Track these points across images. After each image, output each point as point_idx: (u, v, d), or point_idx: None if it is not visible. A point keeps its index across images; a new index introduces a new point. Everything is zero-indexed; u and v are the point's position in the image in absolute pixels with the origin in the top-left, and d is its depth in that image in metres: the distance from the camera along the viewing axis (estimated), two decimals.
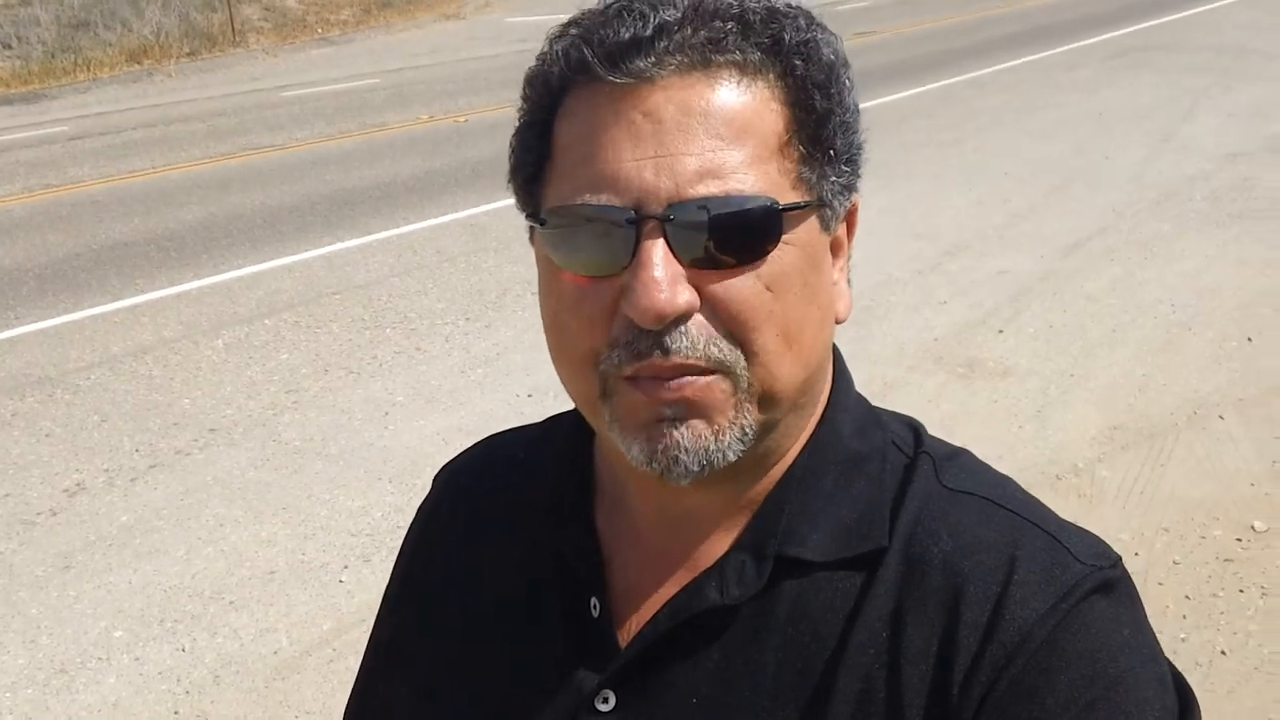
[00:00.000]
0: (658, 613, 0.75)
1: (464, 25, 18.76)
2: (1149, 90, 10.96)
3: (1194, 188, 7.48)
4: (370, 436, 4.50)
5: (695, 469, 0.68)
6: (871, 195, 6.30)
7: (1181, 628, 3.15)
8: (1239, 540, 3.53)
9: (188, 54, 15.92)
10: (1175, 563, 3.44)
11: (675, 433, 0.68)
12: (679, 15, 0.66)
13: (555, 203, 0.69)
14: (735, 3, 0.68)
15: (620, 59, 0.66)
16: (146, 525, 3.98)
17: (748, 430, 0.69)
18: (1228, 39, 14.10)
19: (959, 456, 0.78)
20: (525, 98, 0.73)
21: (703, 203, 0.65)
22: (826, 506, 0.74)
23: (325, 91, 12.84)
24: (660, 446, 0.68)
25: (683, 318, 0.66)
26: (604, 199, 0.66)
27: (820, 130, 0.70)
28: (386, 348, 5.34)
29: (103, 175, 9.18)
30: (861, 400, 0.81)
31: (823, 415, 0.77)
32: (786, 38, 0.68)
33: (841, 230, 0.75)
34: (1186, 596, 3.27)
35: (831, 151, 0.70)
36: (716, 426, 0.68)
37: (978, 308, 5.53)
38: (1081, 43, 14.30)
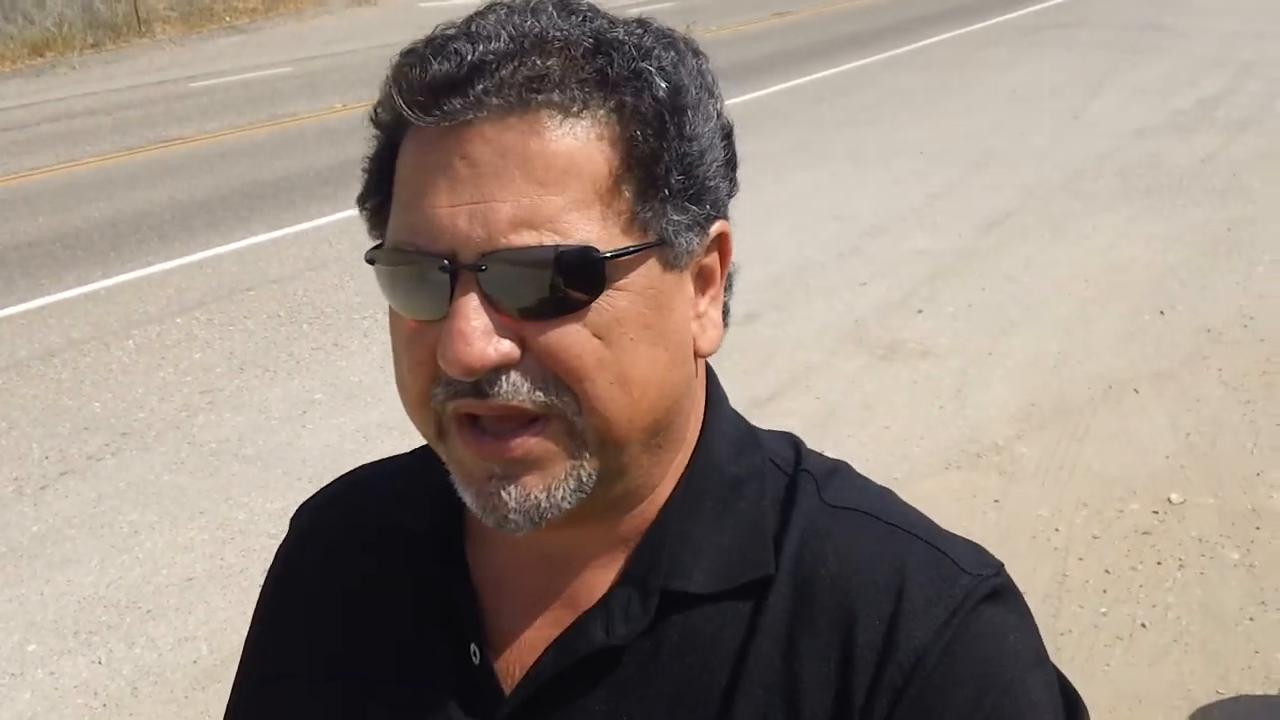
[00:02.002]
0: (542, 656, 0.72)
1: (377, 11, 18.45)
2: (1059, 67, 11.17)
3: (1103, 165, 7.63)
4: (289, 436, 4.40)
5: (526, 525, 0.66)
6: (790, 176, 6.35)
7: (1102, 602, 3.20)
8: (1155, 513, 3.61)
9: (92, 45, 15.43)
10: (1095, 537, 3.50)
11: (504, 492, 0.66)
12: (499, 50, 0.63)
13: (386, 241, 0.67)
14: (560, 35, 0.65)
15: (434, 101, 0.63)
16: (58, 534, 3.84)
17: (585, 480, 0.66)
18: (1133, 16, 14.42)
19: (839, 471, 0.77)
20: (374, 122, 0.69)
21: (515, 254, 0.62)
22: (708, 535, 0.72)
23: (235, 81, 12.53)
24: (490, 504, 0.66)
25: (501, 368, 0.63)
26: (421, 244, 0.64)
27: (653, 168, 0.65)
28: (303, 344, 5.23)
29: (5, 172, 8.86)
30: (738, 421, 0.78)
31: (697, 443, 0.74)
32: (612, 71, 0.64)
33: (711, 259, 0.71)
34: (1106, 571, 3.34)
35: (667, 190, 0.66)
36: (550, 480, 0.66)
37: (897, 289, 5.58)
38: (996, 19, 14.52)
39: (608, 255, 0.63)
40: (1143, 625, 3.11)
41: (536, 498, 0.65)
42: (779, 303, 5.45)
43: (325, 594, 0.83)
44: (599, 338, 0.64)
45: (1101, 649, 3.02)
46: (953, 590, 0.68)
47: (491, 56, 0.63)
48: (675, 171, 0.66)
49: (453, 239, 0.63)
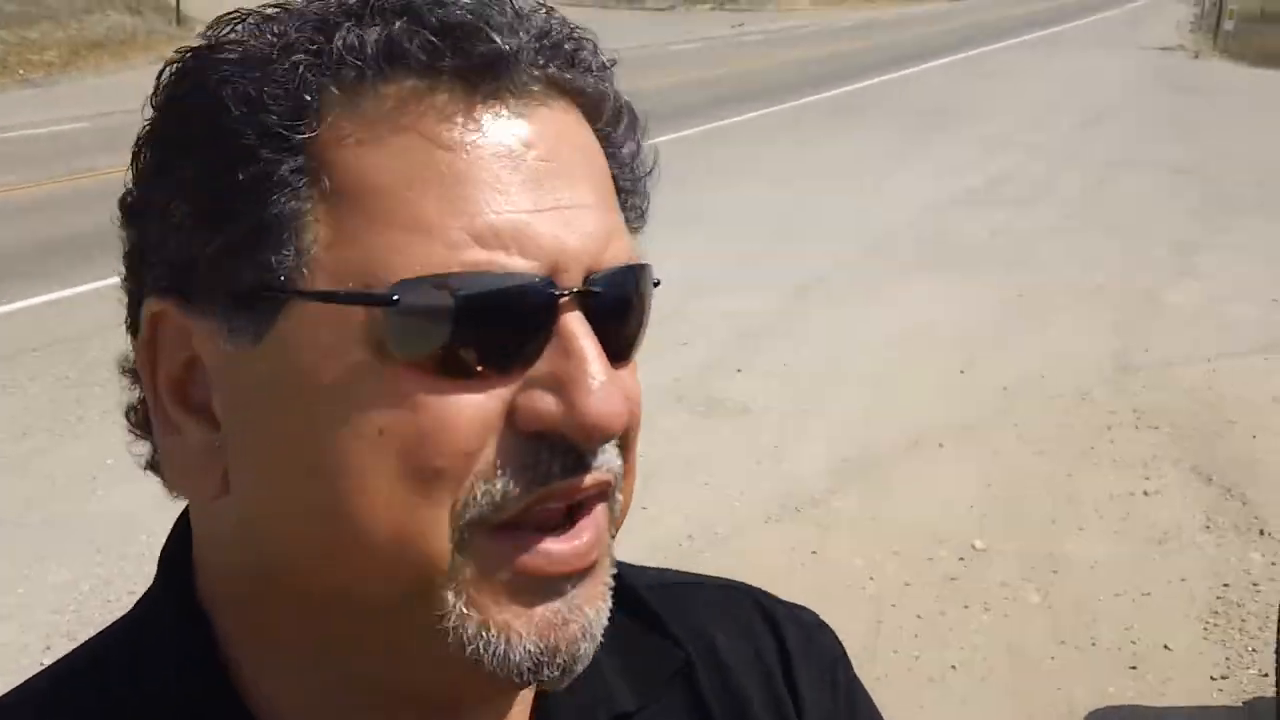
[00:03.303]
0: None
1: None
2: (860, 145, 11.76)
3: (904, 235, 8.03)
4: (77, 503, 4.08)
5: (578, 666, 0.48)
6: None
7: (915, 646, 3.27)
8: (962, 560, 3.73)
9: None
10: (906, 584, 3.59)
11: (577, 616, 0.47)
12: (538, 18, 0.49)
13: (410, 268, 0.44)
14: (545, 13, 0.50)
15: (493, 63, 0.46)
16: None
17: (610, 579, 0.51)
18: (926, 101, 15.37)
19: (622, 564, 0.64)
20: (222, 116, 0.45)
21: (623, 275, 0.49)
22: (612, 643, 0.52)
23: (29, 135, 11.86)
24: (560, 640, 0.47)
25: None
26: (514, 263, 0.44)
27: (635, 180, 0.55)
28: (94, 406, 4.89)
29: None
30: None
31: None
32: (595, 61, 0.51)
33: None
34: (918, 616, 3.42)
35: (631, 209, 0.55)
36: (604, 584, 0.50)
37: (715, 348, 5.68)
38: (798, 101, 15.20)
39: (657, 281, 0.52)
40: (953, 667, 3.19)
41: (602, 611, 0.49)
42: None
43: None
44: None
45: (915, 691, 3.07)
46: (823, 640, 0.67)
47: (538, 22, 0.48)
48: (631, 190, 0.55)
49: (556, 253, 0.45)
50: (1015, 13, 37.30)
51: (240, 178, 0.44)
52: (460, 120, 0.45)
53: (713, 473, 4.35)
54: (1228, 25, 25.75)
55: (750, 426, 4.79)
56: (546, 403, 0.45)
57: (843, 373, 5.40)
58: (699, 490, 4.22)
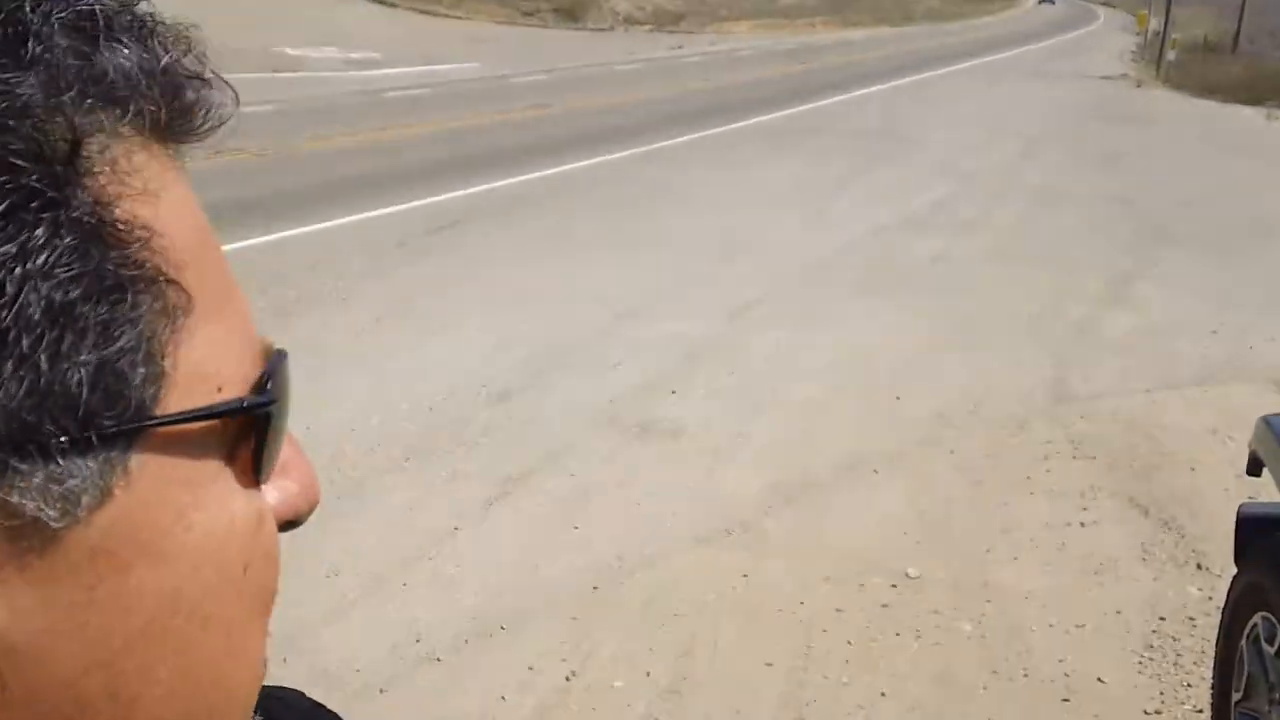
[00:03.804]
0: None
1: None
2: (802, 169, 11.82)
3: (843, 258, 8.06)
4: None
5: None
6: (545, 261, 6.33)
7: (845, 673, 3.23)
8: (894, 587, 3.70)
9: None
10: (838, 610, 3.55)
11: None
12: None
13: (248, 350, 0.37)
14: None
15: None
16: None
17: None
18: (869, 125, 15.53)
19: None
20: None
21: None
22: None
23: None
24: None
25: None
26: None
27: None
28: None
29: None
30: None
31: None
32: None
33: None
34: (849, 642, 3.37)
35: None
36: None
37: (651, 370, 5.62)
38: (743, 123, 15.28)
39: None
40: (883, 694, 3.15)
41: None
42: (533, 382, 5.38)
43: None
44: None
45: (843, 717, 3.03)
46: None
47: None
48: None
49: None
50: (954, 41, 37.94)
51: None
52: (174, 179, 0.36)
53: (645, 494, 4.29)
54: (1170, 55, 26.36)
55: (684, 449, 4.74)
56: (291, 490, 0.40)
57: (778, 397, 5.37)
58: (630, 510, 4.15)
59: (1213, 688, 2.85)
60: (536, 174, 10.92)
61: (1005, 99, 20.57)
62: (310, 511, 0.40)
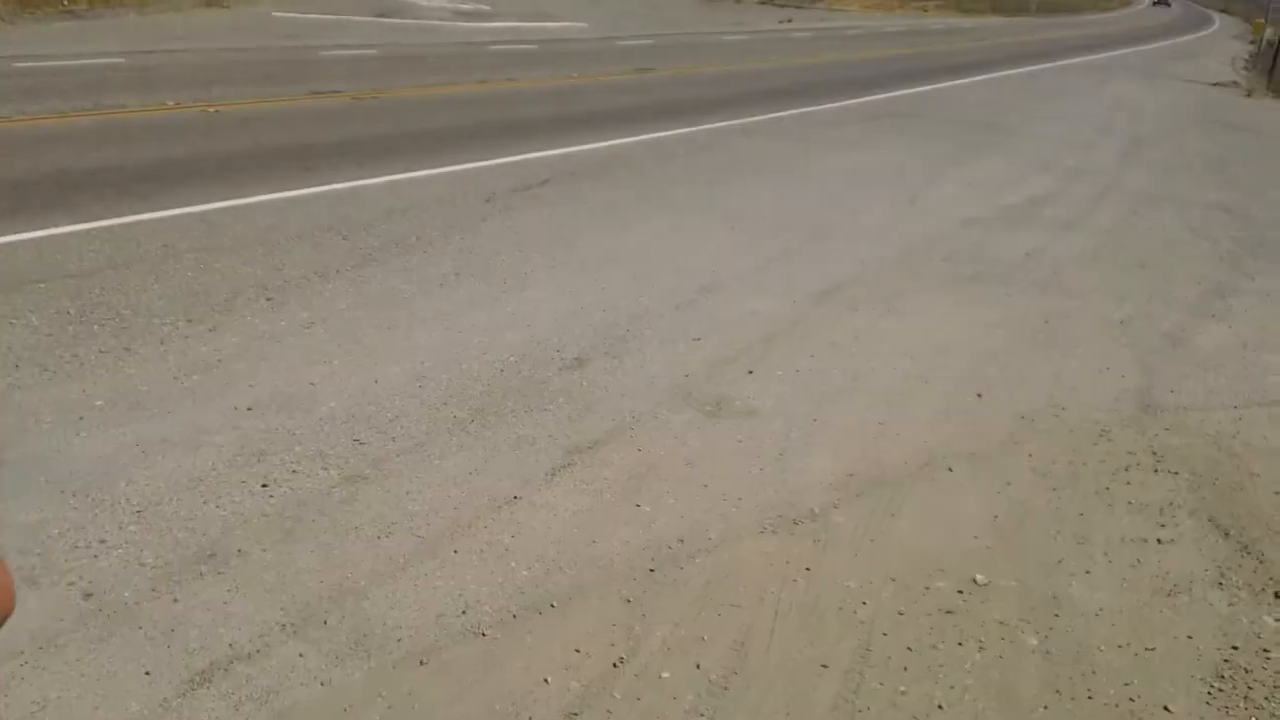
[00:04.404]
0: None
1: (228, 15, 17.78)
2: (899, 153, 11.54)
3: (934, 248, 7.84)
4: (58, 443, 3.98)
5: None
6: (636, 226, 6.25)
7: (902, 680, 3.13)
8: (961, 593, 3.58)
9: None
10: (900, 613, 3.44)
11: None
12: None
13: None
14: None
15: None
16: None
17: None
18: (971, 114, 15.11)
19: None
20: None
21: None
22: None
23: (62, 66, 11.78)
24: None
25: None
26: None
27: None
28: (91, 345, 4.79)
29: None
30: None
31: None
32: None
33: None
34: (909, 648, 3.27)
35: None
36: None
37: (729, 347, 5.52)
38: (843, 103, 14.97)
39: None
40: (940, 707, 3.04)
41: None
42: (611, 349, 5.32)
43: None
44: None
45: None
46: None
47: None
48: None
49: None
50: (1066, 35, 36.78)
51: None
52: None
53: (713, 475, 4.21)
54: None
55: (757, 431, 4.64)
56: None
57: (857, 384, 5.24)
58: (696, 491, 4.08)
59: None
60: (632, 138, 10.82)
61: (1112, 98, 19.87)
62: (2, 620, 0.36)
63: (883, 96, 16.01)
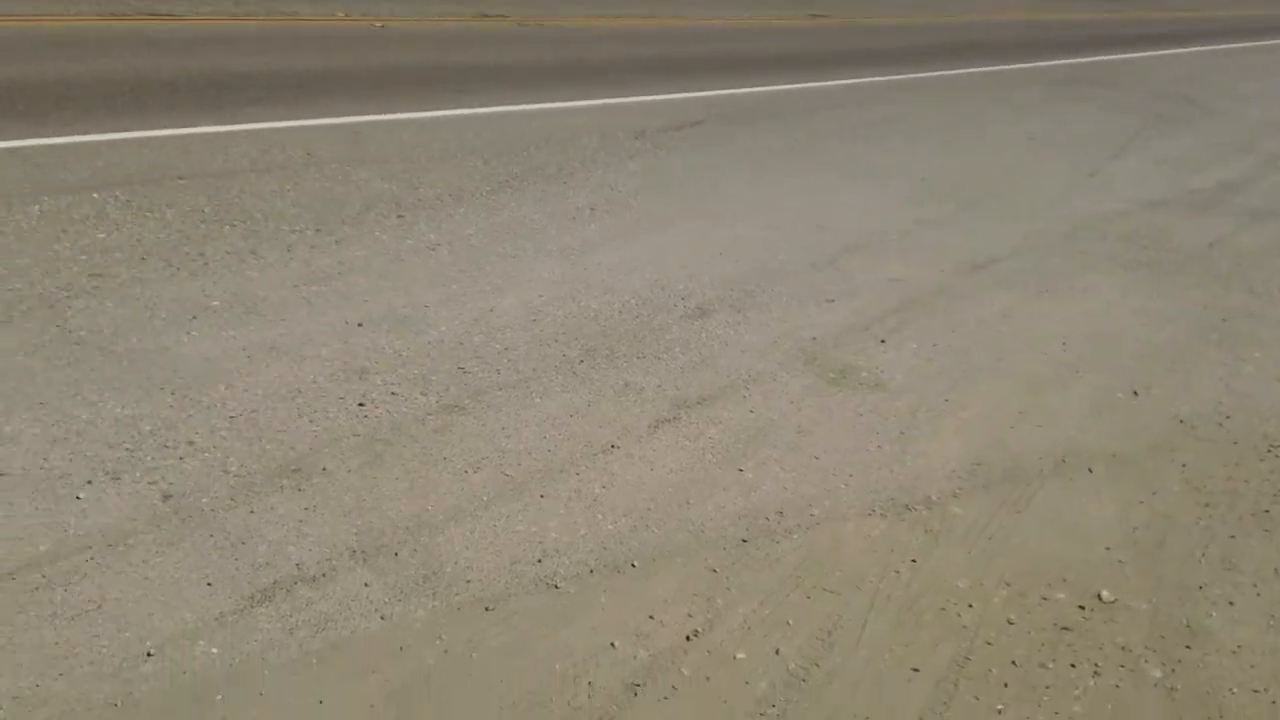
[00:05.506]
0: None
1: None
2: (1084, 123, 10.80)
3: (1109, 227, 7.27)
4: (167, 339, 3.98)
5: None
6: (783, 176, 5.96)
7: (1001, 698, 2.84)
8: (1082, 608, 3.24)
9: None
10: (1010, 622, 3.14)
11: None
12: None
13: None
14: None
15: None
16: None
17: None
18: (1168, 87, 14.08)
19: None
20: None
21: None
22: None
23: None
24: None
25: None
26: None
27: None
28: (218, 245, 4.80)
29: None
30: None
31: None
32: None
33: None
34: (1013, 663, 2.97)
35: None
36: None
37: (863, 313, 5.20)
38: (1028, 64, 14.14)
39: None
40: None
41: None
42: (737, 303, 5.07)
43: None
44: None
45: None
46: None
47: None
48: None
49: None
50: None
51: None
52: None
53: (826, 448, 3.94)
54: None
55: (881, 405, 4.34)
56: None
57: (1000, 365, 4.86)
58: (806, 462, 3.82)
59: None
60: (795, 85, 10.43)
61: None
62: None
63: (1076, 61, 15.06)
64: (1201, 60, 18.20)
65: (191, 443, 3.35)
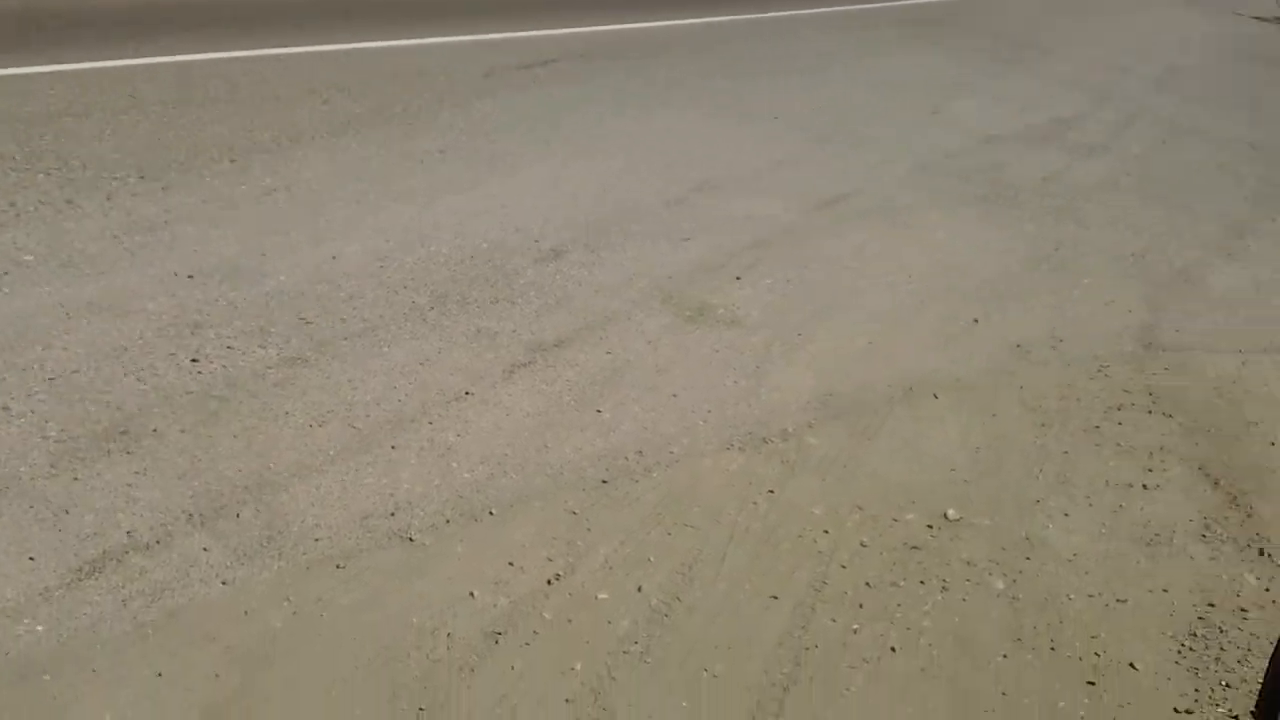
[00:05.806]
0: None
1: None
2: (926, 62, 11.03)
3: (950, 164, 7.46)
4: None
5: None
6: (650, 115, 5.89)
7: (856, 618, 2.90)
8: (930, 528, 3.33)
9: None
10: (863, 545, 3.21)
11: None
12: None
13: None
14: None
15: None
16: None
17: None
18: (1005, 28, 14.50)
19: None
20: None
21: None
22: None
23: None
24: None
25: None
26: None
27: None
28: (31, 194, 4.48)
29: None
30: None
31: None
32: None
33: None
34: (867, 583, 3.04)
35: None
36: None
37: (719, 250, 5.21)
38: (878, 5, 14.36)
39: None
40: (892, 649, 2.82)
41: None
42: (592, 243, 5.01)
43: None
44: None
45: (846, 670, 2.71)
46: None
47: None
48: None
49: None
50: None
51: None
52: None
53: (684, 385, 3.94)
54: None
55: (737, 341, 4.36)
56: None
57: (850, 300, 4.94)
58: (664, 401, 3.81)
59: (1260, 699, 2.47)
60: (652, 23, 10.33)
61: (1150, 24, 19.12)
62: None
63: (920, 2, 15.36)
64: (1040, 4, 18.80)
65: (6, 408, 3.13)
